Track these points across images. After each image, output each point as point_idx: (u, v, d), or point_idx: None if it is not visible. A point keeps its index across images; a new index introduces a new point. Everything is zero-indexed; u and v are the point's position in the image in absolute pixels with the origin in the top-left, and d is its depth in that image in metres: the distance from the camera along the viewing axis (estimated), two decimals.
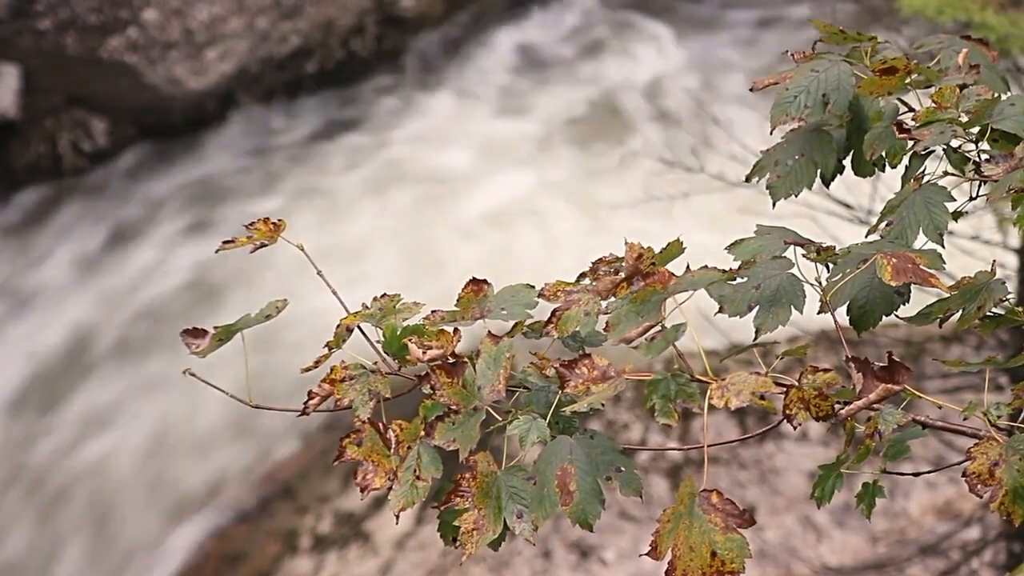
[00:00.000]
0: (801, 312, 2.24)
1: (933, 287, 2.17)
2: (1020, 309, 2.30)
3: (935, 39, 2.58)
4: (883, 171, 2.45)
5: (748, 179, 2.52)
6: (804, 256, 2.27)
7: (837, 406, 2.12)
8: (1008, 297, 2.27)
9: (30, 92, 11.21)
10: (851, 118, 2.45)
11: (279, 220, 2.41)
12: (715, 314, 2.24)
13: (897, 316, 2.29)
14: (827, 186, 2.49)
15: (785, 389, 2.11)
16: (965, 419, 2.23)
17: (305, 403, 2.23)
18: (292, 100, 11.57)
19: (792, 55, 2.49)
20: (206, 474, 8.65)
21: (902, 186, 2.38)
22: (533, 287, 2.31)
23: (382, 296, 2.33)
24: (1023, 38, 5.94)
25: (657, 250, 2.26)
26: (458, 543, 2.11)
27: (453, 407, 2.17)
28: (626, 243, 2.27)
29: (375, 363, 2.25)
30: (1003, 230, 6.56)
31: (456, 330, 2.24)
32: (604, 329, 2.21)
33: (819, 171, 2.46)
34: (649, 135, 9.71)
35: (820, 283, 2.24)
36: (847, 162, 2.49)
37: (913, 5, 6.11)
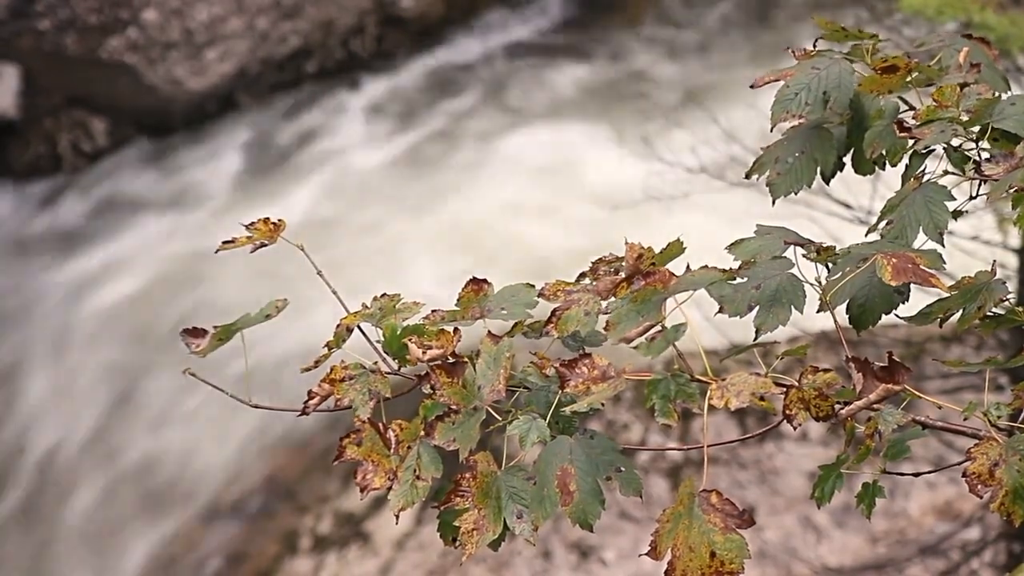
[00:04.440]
0: (801, 312, 2.23)
1: (933, 287, 2.17)
2: (1020, 309, 2.30)
3: (936, 37, 2.57)
4: (883, 169, 2.45)
5: (748, 176, 2.52)
6: (804, 256, 2.27)
7: (837, 406, 2.12)
8: (1008, 297, 2.27)
9: (30, 92, 11.21)
10: (852, 116, 2.45)
11: (279, 220, 2.40)
12: (715, 314, 2.23)
13: (897, 316, 2.29)
14: (827, 183, 2.48)
15: (785, 389, 2.11)
16: (965, 419, 2.23)
17: (305, 403, 2.22)
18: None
19: (793, 52, 2.49)
20: None
21: (902, 185, 2.37)
22: (533, 286, 2.31)
23: (382, 296, 2.33)
24: (1023, 38, 5.94)
25: (657, 250, 2.26)
26: (458, 543, 2.11)
27: (453, 407, 2.16)
28: (626, 243, 2.26)
29: (375, 363, 2.24)
30: (1003, 230, 6.56)
31: (456, 330, 2.24)
32: (604, 329, 2.21)
33: (819, 169, 2.46)
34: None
35: (820, 283, 2.24)
36: (847, 160, 2.48)
37: (913, 5, 6.11)
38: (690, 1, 12.21)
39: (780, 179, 2.46)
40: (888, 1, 7.38)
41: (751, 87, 2.50)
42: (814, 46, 2.50)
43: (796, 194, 2.47)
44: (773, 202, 2.46)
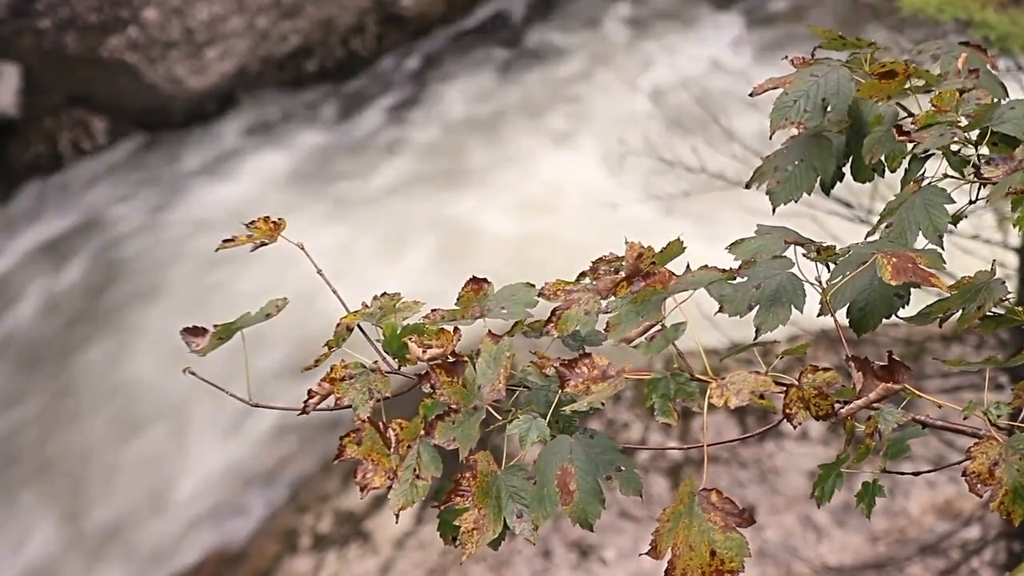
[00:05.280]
0: (801, 311, 2.24)
1: (933, 287, 2.17)
2: (1020, 309, 2.30)
3: (933, 44, 2.57)
4: (882, 176, 2.45)
5: (748, 185, 2.53)
6: (804, 256, 2.27)
7: (837, 405, 2.12)
8: (1008, 297, 2.27)
9: (30, 91, 11.21)
10: (851, 123, 2.45)
11: (279, 219, 2.40)
12: (715, 313, 2.24)
13: (897, 316, 2.29)
14: (827, 193, 2.49)
15: (785, 388, 2.11)
16: (965, 418, 2.23)
17: (305, 402, 2.23)
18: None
19: (792, 60, 2.50)
20: None
21: (902, 188, 2.37)
22: (533, 286, 2.31)
23: (382, 295, 2.33)
24: (1023, 36, 5.94)
25: (657, 249, 2.26)
26: (458, 542, 2.11)
27: (453, 406, 2.16)
28: (626, 242, 2.27)
29: (375, 362, 2.25)
30: (1003, 229, 6.56)
31: (456, 329, 2.24)
32: (604, 329, 2.21)
33: (819, 177, 2.47)
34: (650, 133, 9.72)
35: (820, 282, 2.24)
36: (847, 168, 2.49)
37: (914, 3, 6.11)
38: None
39: (780, 187, 2.47)
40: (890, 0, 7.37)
41: (750, 95, 2.51)
42: (812, 54, 2.51)
43: (796, 202, 2.48)
44: (773, 211, 2.47)
